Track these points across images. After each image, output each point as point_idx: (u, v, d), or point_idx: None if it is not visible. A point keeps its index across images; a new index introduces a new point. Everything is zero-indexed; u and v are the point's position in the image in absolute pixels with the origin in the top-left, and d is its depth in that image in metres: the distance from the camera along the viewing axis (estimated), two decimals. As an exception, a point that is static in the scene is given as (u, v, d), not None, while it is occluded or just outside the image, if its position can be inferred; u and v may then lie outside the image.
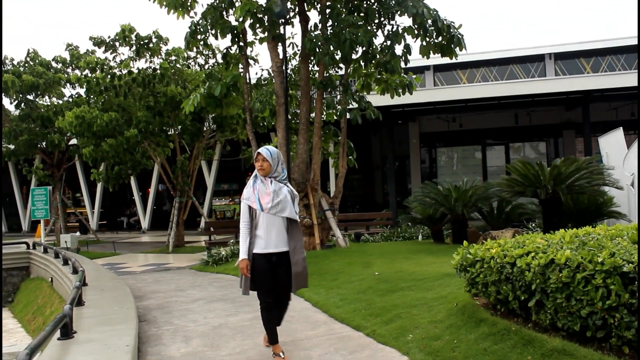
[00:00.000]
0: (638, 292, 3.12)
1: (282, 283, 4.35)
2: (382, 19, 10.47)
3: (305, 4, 10.83)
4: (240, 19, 10.02)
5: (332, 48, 9.55)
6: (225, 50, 11.25)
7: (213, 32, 10.58)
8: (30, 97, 19.64)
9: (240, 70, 11.42)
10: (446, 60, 10.74)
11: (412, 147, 20.53)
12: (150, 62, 16.05)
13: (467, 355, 3.96)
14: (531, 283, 3.89)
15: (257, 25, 10.40)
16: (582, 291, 3.47)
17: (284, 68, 10.64)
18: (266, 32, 10.51)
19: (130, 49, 15.91)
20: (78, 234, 21.48)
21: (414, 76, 11.45)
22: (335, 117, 12.20)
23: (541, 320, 3.92)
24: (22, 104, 19.43)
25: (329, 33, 9.90)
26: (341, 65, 11.14)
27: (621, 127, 10.93)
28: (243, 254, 4.32)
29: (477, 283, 4.65)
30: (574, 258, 3.60)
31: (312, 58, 10.45)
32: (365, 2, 10.53)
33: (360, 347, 4.73)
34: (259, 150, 4.36)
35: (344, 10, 10.32)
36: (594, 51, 23.28)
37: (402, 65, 10.50)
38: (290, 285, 4.35)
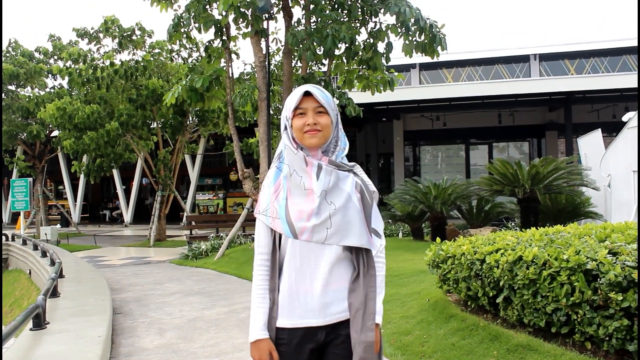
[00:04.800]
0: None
1: None
2: (366, 16, 10.49)
3: (289, -1, 10.81)
4: (224, 13, 9.98)
5: (314, 44, 9.56)
6: (207, 44, 11.20)
7: (196, 25, 10.53)
8: (12, 88, 19.42)
9: (223, 64, 11.38)
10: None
11: (396, 145, 20.61)
12: (133, 54, 15.95)
13: (435, 350, 4.01)
14: (499, 279, 3.95)
15: (241, 19, 10.37)
16: (547, 288, 3.54)
17: (266, 63, 10.63)
18: (249, 27, 10.48)
19: (113, 41, 15.80)
20: (59, 226, 21.28)
21: (396, 74, 11.47)
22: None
23: (509, 316, 3.98)
24: (3, 95, 19.21)
25: (312, 28, 9.90)
26: (324, 61, 11.15)
27: (599, 129, 11.08)
28: (259, 328, 1.94)
29: (449, 279, 4.70)
30: (540, 255, 3.66)
31: (294, 54, 10.44)
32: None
33: (333, 341, 4.75)
34: (306, 87, 1.95)
35: (328, 6, 10.32)
36: (578, 53, 23.50)
37: (384, 62, 10.54)
38: None
